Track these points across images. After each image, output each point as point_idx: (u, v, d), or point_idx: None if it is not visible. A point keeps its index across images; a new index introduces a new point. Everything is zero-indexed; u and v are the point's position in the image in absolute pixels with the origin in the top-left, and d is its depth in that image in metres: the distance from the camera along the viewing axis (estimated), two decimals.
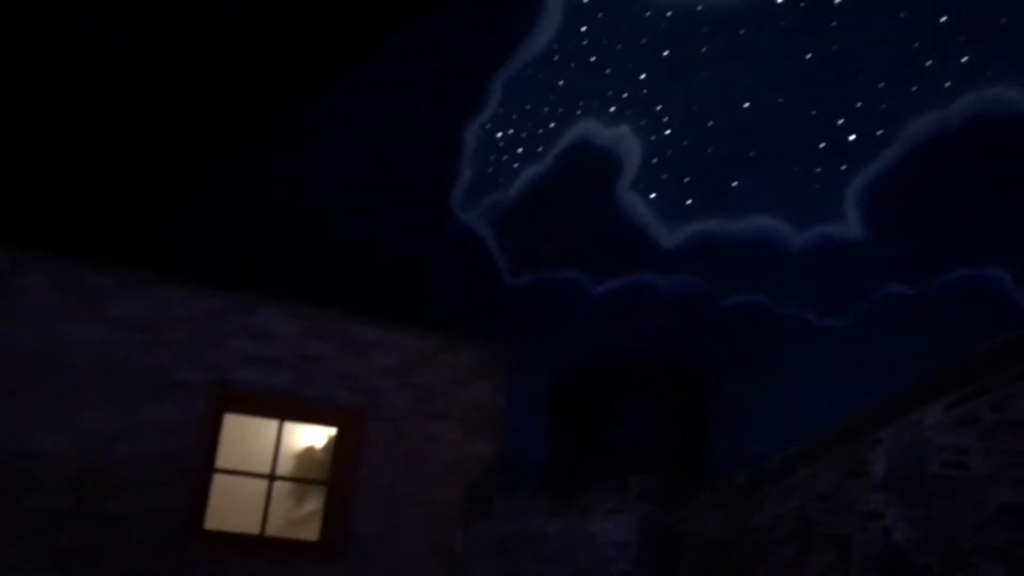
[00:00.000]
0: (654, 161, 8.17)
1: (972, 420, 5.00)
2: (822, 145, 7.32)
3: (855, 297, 6.89)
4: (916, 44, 7.01)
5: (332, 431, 7.76)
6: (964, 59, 6.79)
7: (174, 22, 8.68)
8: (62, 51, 8.57)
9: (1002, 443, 4.89)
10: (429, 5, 9.41)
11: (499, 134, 9.00)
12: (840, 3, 7.39)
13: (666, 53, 8.25)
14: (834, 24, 7.41)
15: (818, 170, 7.31)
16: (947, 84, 6.82)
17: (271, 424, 7.43)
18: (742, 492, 5.85)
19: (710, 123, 7.96)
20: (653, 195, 8.11)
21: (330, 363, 7.48)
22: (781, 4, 7.67)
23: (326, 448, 8.03)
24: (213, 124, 9.53)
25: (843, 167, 7.15)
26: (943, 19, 6.97)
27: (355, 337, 7.59)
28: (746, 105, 7.76)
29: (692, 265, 7.78)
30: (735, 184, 7.72)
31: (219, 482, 7.10)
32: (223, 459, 7.15)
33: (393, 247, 9.12)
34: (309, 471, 8.13)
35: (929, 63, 6.96)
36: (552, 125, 8.74)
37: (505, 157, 8.94)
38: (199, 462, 6.96)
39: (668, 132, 8.15)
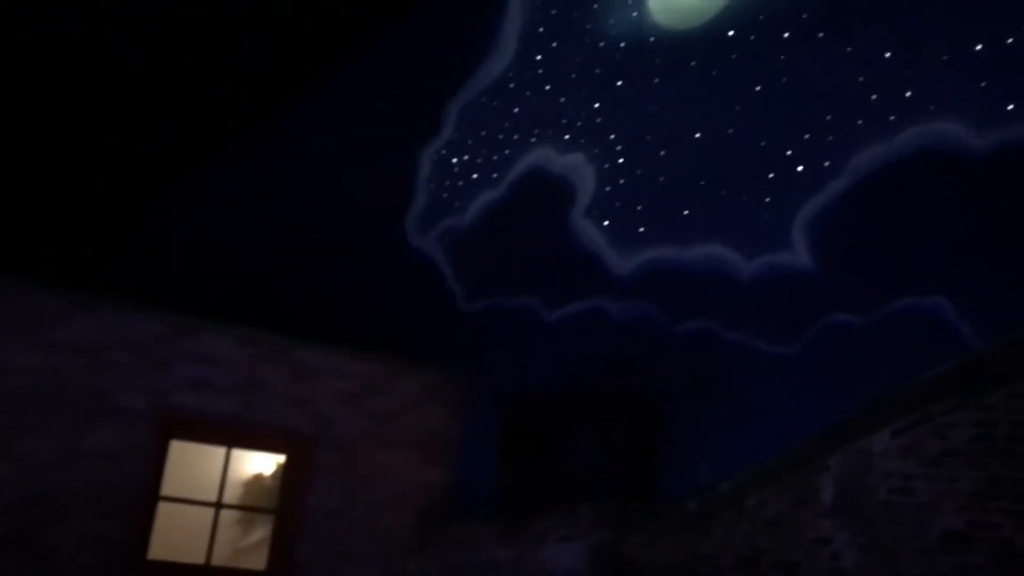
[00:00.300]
0: (607, 189, 8.25)
1: (917, 447, 5.10)
2: (771, 175, 7.46)
3: (803, 325, 7.01)
4: (862, 79, 7.21)
5: (281, 458, 7.63)
6: (908, 94, 7.00)
7: (125, 41, 8.58)
8: (7, 67, 8.41)
9: (945, 469, 5.00)
10: (385, 31, 9.43)
11: (454, 160, 9.02)
12: (788, 38, 7.58)
13: (619, 83, 8.37)
14: (783, 58, 7.59)
15: (767, 200, 7.44)
16: (892, 118, 7.01)
17: (218, 451, 7.28)
18: (693, 519, 5.88)
19: (662, 152, 8.07)
20: (606, 222, 8.18)
21: (280, 389, 7.37)
22: (732, 37, 7.84)
23: (275, 475, 7.89)
24: (160, 145, 9.41)
25: (791, 197, 7.30)
26: (888, 55, 7.18)
27: (306, 362, 7.49)
28: (697, 135, 7.89)
29: (645, 292, 7.85)
30: (686, 212, 7.83)
31: (164, 510, 6.93)
32: (168, 487, 6.99)
33: (347, 271, 9.06)
34: (257, 499, 7.98)
35: (875, 97, 7.15)
36: (507, 151, 8.79)
37: (460, 183, 8.95)
38: (143, 490, 6.80)
39: (621, 160, 8.24)
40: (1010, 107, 6.60)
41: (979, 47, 6.82)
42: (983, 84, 6.75)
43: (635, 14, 8.33)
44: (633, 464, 7.32)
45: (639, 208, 8.08)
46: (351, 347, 7.72)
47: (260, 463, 8.20)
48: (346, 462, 7.47)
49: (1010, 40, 6.71)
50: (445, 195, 8.97)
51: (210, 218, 9.44)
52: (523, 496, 7.33)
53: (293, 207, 9.33)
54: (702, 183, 7.78)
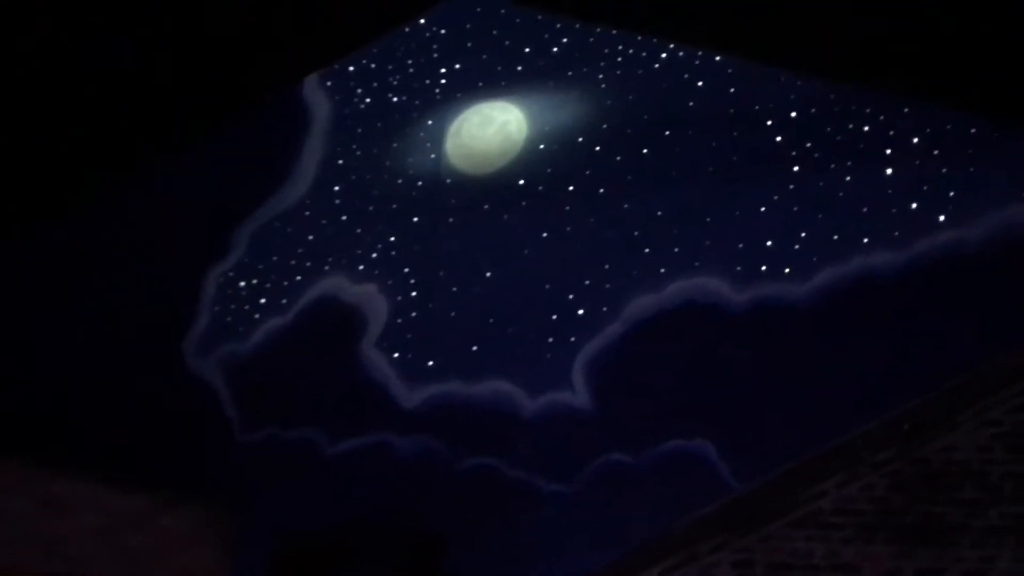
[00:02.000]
0: (399, 321, 8.31)
1: None
2: (554, 317, 7.83)
3: (581, 463, 7.24)
4: (636, 233, 7.83)
5: None
6: (676, 250, 7.66)
7: None
8: None
9: None
10: (177, 145, 9.20)
11: (242, 283, 8.78)
12: (573, 190, 8.13)
13: (415, 219, 8.59)
14: (567, 208, 8.12)
15: (550, 340, 7.78)
16: (662, 271, 7.63)
17: None
18: None
19: (454, 288, 8.28)
20: (396, 354, 8.20)
21: (20, 524, 6.59)
22: (522, 186, 8.32)
23: None
24: None
25: (572, 339, 7.68)
26: (659, 213, 7.85)
27: (54, 494, 6.78)
28: (488, 274, 8.19)
29: (430, 426, 7.86)
30: (475, 348, 8.01)
31: None
32: None
33: (114, 393, 8.43)
34: None
35: (647, 251, 7.76)
36: (298, 278, 8.69)
37: (246, 307, 8.70)
38: None
39: (414, 294, 8.37)
40: (763, 267, 7.36)
41: (737, 212, 7.61)
42: (740, 246, 7.52)
43: (433, 156, 8.67)
44: None
45: (429, 342, 8.17)
46: (111, 477, 7.09)
47: None
48: None
49: (763, 208, 7.54)
50: (229, 319, 8.67)
51: None
52: None
53: (52, 322, 8.65)
54: (491, 320, 8.02)
